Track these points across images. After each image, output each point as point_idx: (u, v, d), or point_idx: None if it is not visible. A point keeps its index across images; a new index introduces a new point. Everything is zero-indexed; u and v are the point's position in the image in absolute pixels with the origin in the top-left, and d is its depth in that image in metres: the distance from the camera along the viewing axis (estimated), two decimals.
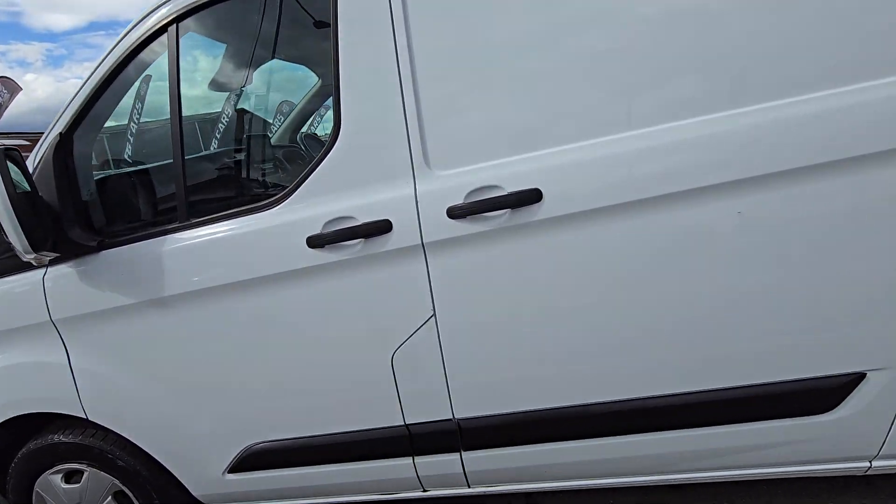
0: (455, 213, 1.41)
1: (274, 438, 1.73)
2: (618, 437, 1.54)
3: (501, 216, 1.40)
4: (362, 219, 1.47)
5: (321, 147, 1.53)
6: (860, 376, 1.39)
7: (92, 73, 1.64)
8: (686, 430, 1.51)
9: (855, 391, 1.40)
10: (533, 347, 1.50)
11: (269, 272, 1.55)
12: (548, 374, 1.52)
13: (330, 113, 1.81)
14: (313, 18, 1.82)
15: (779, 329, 1.38)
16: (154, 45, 1.63)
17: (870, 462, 1.49)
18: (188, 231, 1.62)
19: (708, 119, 1.29)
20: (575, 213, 1.36)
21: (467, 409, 1.59)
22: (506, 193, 1.38)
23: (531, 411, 1.55)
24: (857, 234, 1.29)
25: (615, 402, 1.51)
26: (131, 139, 1.96)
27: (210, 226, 1.60)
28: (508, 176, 1.39)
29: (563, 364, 1.50)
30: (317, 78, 2.64)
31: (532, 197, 1.37)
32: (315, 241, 1.50)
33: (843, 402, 1.41)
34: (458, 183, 1.42)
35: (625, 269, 1.40)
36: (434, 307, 1.51)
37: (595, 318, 1.45)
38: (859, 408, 1.41)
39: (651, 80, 1.33)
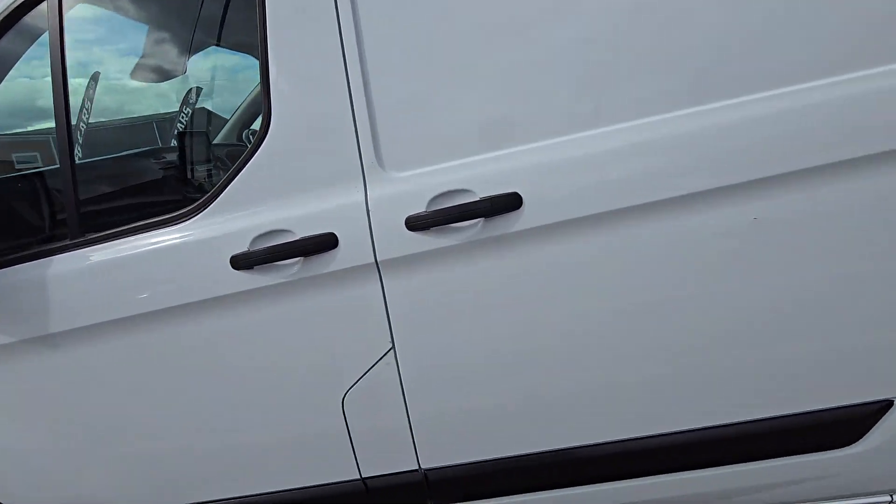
0: (416, 223, 1.14)
1: (198, 502, 1.41)
2: (613, 482, 1.31)
3: (473, 227, 1.14)
4: (300, 233, 1.19)
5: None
6: (887, 404, 1.21)
7: None
8: (688, 472, 1.29)
9: (881, 421, 1.22)
10: (513, 384, 1.25)
11: (182, 301, 1.24)
12: (531, 414, 1.27)
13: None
14: None
15: (795, 355, 1.18)
16: (30, 18, 1.29)
17: (891, 496, 1.32)
18: (82, 250, 1.29)
19: (723, 105, 1.07)
20: (563, 221, 1.12)
21: (436, 457, 1.33)
22: (478, 199, 1.13)
23: (512, 458, 1.30)
24: (879, 242, 1.10)
25: (610, 443, 1.28)
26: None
27: (109, 243, 1.28)
28: (480, 178, 1.14)
29: (550, 403, 1.26)
30: (239, 59, 2.28)
31: (510, 203, 1.12)
32: (241, 262, 1.20)
33: (868, 434, 1.23)
34: (419, 187, 1.16)
35: (624, 289, 1.16)
36: (393, 338, 1.24)
37: (587, 349, 1.21)
38: (884, 438, 1.23)
39: (650, 62, 1.10)
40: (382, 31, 1.15)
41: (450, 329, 1.22)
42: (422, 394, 1.28)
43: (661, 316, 1.17)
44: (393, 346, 1.25)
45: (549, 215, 1.12)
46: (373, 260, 1.18)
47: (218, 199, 1.22)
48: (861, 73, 1.03)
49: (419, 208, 1.15)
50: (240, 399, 1.33)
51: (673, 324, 1.17)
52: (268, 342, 1.27)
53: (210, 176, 2.08)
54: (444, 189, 1.14)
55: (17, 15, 1.26)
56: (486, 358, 1.24)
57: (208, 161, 1.89)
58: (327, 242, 1.18)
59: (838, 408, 1.21)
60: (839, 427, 1.23)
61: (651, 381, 1.22)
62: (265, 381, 1.31)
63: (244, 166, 1.20)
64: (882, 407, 1.21)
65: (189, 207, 1.24)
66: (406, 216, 1.15)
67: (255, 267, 1.20)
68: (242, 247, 1.20)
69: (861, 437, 1.23)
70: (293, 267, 1.20)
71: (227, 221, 1.22)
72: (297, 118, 1.18)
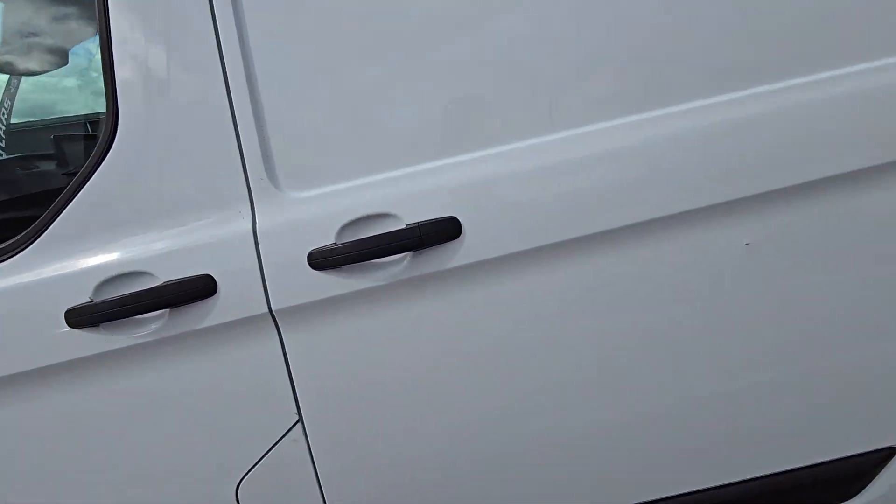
0: (322, 259, 0.86)
1: None
2: None
3: (397, 264, 0.87)
4: (163, 276, 0.87)
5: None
6: (889, 453, 1.04)
7: None
8: None
9: (883, 471, 1.05)
10: (456, 455, 0.99)
11: (5, 372, 0.90)
12: (477, 489, 1.01)
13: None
14: None
15: (788, 407, 0.99)
16: None
17: None
18: None
19: (691, 108, 0.86)
20: (515, 253, 0.87)
21: None
22: (404, 227, 0.86)
23: None
24: (875, 272, 0.93)
25: None
26: None
27: None
28: (407, 198, 0.87)
29: (498, 475, 1.01)
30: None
31: (446, 231, 0.86)
32: (82, 317, 0.87)
33: (868, 486, 1.06)
34: (327, 211, 0.88)
35: (592, 337, 0.93)
36: (299, 408, 0.95)
37: (546, 410, 0.97)
38: (885, 490, 1.06)
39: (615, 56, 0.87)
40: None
41: (373, 393, 0.95)
42: (340, 476, 0.99)
43: (638, 370, 0.94)
44: (300, 419, 0.95)
45: (495, 245, 0.87)
46: (266, 309, 0.88)
47: (45, 233, 0.89)
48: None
49: (327, 240, 0.86)
50: (101, 496, 0.99)
51: (652, 378, 0.95)
52: (129, 423, 0.95)
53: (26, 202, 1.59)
54: (360, 214, 0.87)
55: None
56: (421, 425, 0.97)
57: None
58: (201, 288, 0.87)
59: (838, 460, 1.03)
60: (838, 481, 1.05)
61: (625, 446, 0.99)
62: (130, 472, 0.98)
63: (80, 188, 0.88)
64: (884, 457, 1.04)
65: (5, 244, 0.90)
66: (309, 250, 0.86)
67: (103, 324, 0.88)
68: (82, 296, 0.87)
69: (861, 491, 1.06)
70: (155, 322, 0.89)
71: (60, 263, 0.88)
72: (154, 122, 0.87)
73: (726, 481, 1.03)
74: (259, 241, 0.87)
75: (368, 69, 0.88)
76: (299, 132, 0.89)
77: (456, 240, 0.86)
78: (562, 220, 0.86)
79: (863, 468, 1.05)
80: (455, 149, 0.87)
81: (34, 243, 0.89)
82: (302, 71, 0.88)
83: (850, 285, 0.93)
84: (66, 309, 0.87)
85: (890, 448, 1.04)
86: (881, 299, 0.94)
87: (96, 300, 0.87)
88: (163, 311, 0.88)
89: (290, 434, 0.96)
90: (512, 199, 0.87)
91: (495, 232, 0.87)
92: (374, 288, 0.88)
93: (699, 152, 0.86)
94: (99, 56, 0.88)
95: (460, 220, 0.86)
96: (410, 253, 0.87)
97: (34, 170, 1.52)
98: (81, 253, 0.89)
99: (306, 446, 0.97)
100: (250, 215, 0.88)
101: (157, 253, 0.88)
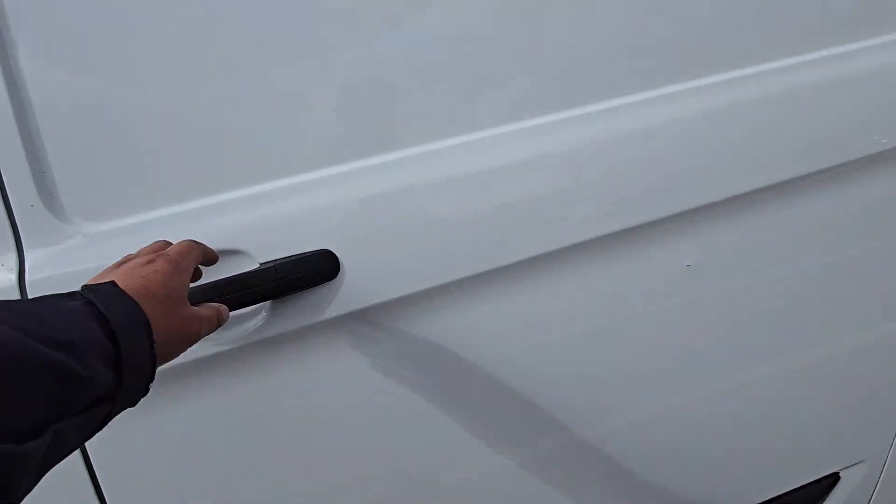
0: None
1: None
2: None
3: (249, 319, 0.62)
4: None
5: None
6: (833, 479, 0.96)
7: None
8: None
9: (827, 499, 0.97)
10: None
11: None
12: None
13: None
14: None
15: (728, 449, 0.87)
16: None
17: None
18: None
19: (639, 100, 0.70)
20: (409, 295, 0.65)
21: None
22: (256, 268, 0.61)
23: None
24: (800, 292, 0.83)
25: None
26: None
27: None
28: (259, 227, 0.62)
29: None
30: None
31: (317, 270, 0.62)
32: None
33: None
34: (137, 249, 0.60)
35: (500, 397, 0.73)
36: None
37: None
38: None
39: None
40: None
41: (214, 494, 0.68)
42: None
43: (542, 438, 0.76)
44: None
45: (388, 287, 0.64)
46: None
47: None
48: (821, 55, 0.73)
49: None
50: None
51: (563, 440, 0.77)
52: None
53: None
54: None
55: None
56: None
57: None
58: None
59: (790, 492, 0.93)
60: None
61: None
62: None
63: None
64: (831, 483, 0.95)
65: None
66: None
67: None
68: None
69: None
70: None
71: None
72: None
73: None
74: (26, 291, 0.58)
75: (201, 54, 0.62)
76: (93, 140, 0.61)
77: (334, 280, 0.62)
78: (481, 246, 0.65)
79: (812, 498, 0.95)
80: (328, 159, 0.64)
81: None
82: (83, 69, 0.59)
83: (780, 310, 0.82)
84: None
85: (835, 474, 0.96)
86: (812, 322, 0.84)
87: None
88: None
89: None
90: (401, 222, 0.65)
91: (390, 267, 0.64)
92: (211, 356, 0.62)
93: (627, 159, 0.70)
94: None
95: (339, 256, 0.62)
96: (268, 303, 0.62)
97: None
98: None
99: None
100: (15, 259, 0.59)
101: None
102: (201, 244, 0.52)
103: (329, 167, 0.63)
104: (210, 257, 0.54)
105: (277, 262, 0.60)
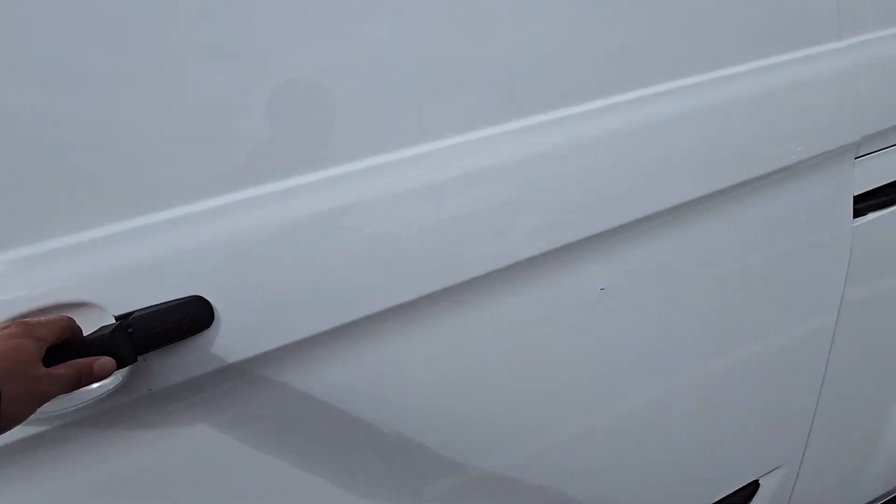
0: None
1: None
2: None
3: (96, 395, 0.53)
4: None
5: None
6: (753, 488, 0.97)
7: None
8: None
9: None
10: None
11: None
12: None
13: None
14: None
15: (644, 463, 0.85)
16: None
17: None
18: None
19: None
20: (303, 340, 0.58)
21: None
22: (112, 323, 0.51)
23: None
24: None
25: None
26: None
27: None
28: (114, 272, 0.52)
29: None
30: None
31: (183, 321, 0.53)
32: None
33: None
34: None
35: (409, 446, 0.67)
36: None
37: None
38: None
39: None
40: None
41: None
42: None
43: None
44: None
45: (271, 335, 0.57)
46: None
47: None
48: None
49: None
50: None
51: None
52: None
53: None
54: (26, 308, 0.50)
55: None
56: None
57: None
58: None
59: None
60: None
61: None
62: None
63: None
64: (752, 491, 0.96)
65: None
66: None
67: None
68: None
69: None
70: None
71: None
72: None
73: None
74: None
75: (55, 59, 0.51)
76: None
77: (203, 333, 0.54)
78: (380, 282, 0.58)
79: None
80: (202, 189, 0.55)
81: None
82: None
83: (697, 322, 0.80)
84: None
85: (755, 482, 0.97)
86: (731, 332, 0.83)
87: None
88: None
89: None
90: (299, 260, 0.57)
91: (272, 315, 0.56)
92: (47, 432, 0.52)
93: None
94: None
95: (212, 303, 0.54)
96: (120, 376, 0.52)
97: None
98: None
99: None
100: None
101: None
102: (73, 321, 0.48)
103: (206, 199, 0.54)
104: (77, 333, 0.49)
105: (134, 314, 0.51)
